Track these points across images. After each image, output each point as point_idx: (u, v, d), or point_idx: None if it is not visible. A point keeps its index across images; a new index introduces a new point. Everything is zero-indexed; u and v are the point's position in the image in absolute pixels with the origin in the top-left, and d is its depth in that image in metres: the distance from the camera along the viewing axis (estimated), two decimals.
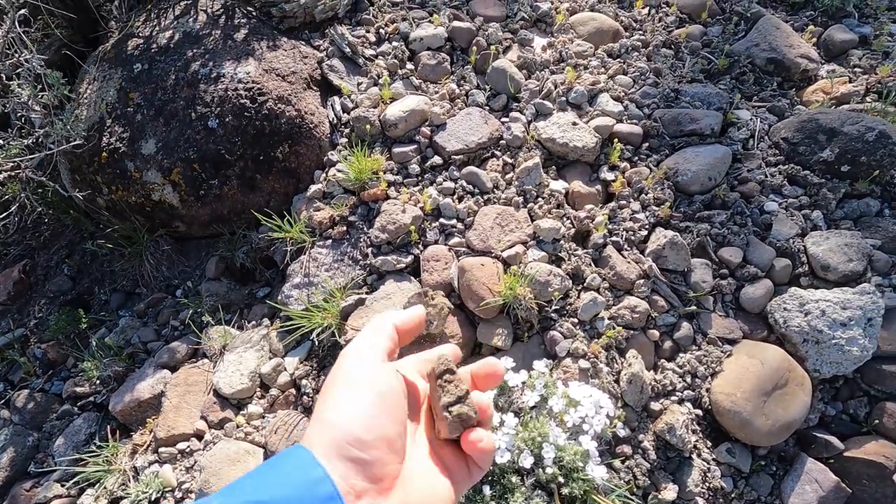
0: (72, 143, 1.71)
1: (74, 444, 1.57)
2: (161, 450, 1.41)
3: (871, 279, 1.36)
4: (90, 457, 1.45)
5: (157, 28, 1.92)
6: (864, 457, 1.22)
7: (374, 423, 0.39)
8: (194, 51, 1.82)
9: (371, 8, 2.09)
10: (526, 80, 1.86)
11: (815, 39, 1.92)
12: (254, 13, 1.97)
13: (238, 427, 1.44)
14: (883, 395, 1.30)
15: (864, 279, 1.37)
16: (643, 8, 2.10)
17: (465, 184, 1.65)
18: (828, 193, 1.52)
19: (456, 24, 1.96)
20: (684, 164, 1.60)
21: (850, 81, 1.77)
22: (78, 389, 1.69)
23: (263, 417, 1.46)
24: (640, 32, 2.02)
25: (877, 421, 1.27)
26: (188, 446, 1.41)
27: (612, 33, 2.00)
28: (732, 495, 1.25)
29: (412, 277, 1.54)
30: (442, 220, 1.60)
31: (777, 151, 1.63)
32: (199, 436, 1.44)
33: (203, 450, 1.40)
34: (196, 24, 1.90)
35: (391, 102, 1.80)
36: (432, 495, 0.41)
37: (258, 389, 1.51)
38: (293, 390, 1.50)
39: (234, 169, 1.75)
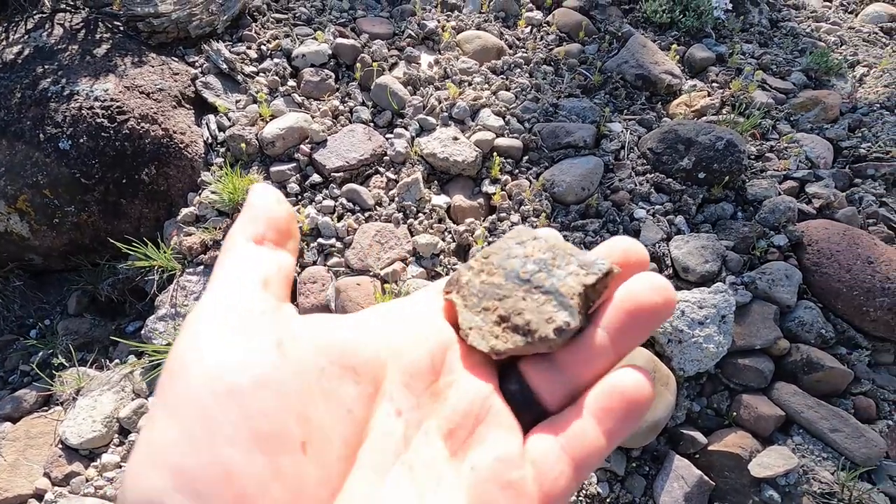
0: None
1: None
2: None
3: (725, 278, 1.45)
4: None
5: (3, 43, 1.75)
6: (724, 449, 1.27)
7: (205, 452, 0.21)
8: (45, 67, 1.67)
9: (253, 24, 2.02)
10: (411, 96, 1.86)
11: (678, 57, 2.07)
12: (120, 28, 1.84)
13: (87, 481, 1.28)
14: (740, 388, 1.37)
15: (720, 278, 1.45)
16: (526, 27, 2.18)
17: (345, 201, 1.61)
18: (689, 199, 1.62)
19: (340, 41, 1.93)
20: (560, 175, 1.65)
21: (708, 95, 1.92)
22: None
23: (120, 467, 1.32)
24: (523, 50, 2.09)
25: (735, 413, 1.33)
26: None
27: (496, 51, 2.05)
28: (608, 500, 1.26)
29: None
30: (320, 239, 1.54)
31: (644, 161, 1.72)
32: (39, 496, 1.27)
33: None
34: (51, 38, 1.75)
35: (271, 120, 1.73)
36: None
37: (115, 436, 1.37)
38: None
39: (94, 194, 1.61)
